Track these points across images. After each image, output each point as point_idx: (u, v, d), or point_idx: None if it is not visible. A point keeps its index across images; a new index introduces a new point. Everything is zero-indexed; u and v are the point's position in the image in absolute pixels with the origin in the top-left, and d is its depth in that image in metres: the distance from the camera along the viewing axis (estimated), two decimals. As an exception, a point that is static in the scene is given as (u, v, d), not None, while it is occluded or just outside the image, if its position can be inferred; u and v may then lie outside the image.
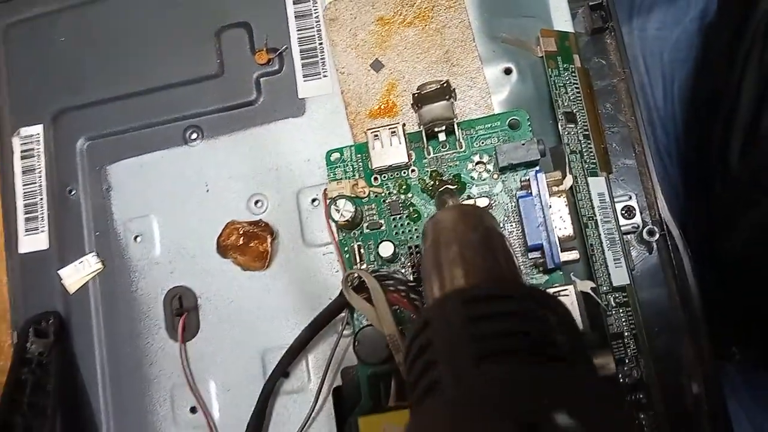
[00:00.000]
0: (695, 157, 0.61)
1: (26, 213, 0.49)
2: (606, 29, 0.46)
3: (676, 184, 0.65)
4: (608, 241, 0.41)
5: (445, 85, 0.37)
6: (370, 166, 0.41)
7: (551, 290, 0.38)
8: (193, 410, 0.44)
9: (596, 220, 0.40)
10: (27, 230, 0.49)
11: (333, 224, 0.41)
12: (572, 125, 0.42)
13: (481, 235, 0.28)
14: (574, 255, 0.38)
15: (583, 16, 0.46)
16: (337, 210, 0.39)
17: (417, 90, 0.38)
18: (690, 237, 0.67)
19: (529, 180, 0.38)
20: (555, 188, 0.39)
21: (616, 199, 0.43)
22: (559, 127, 0.42)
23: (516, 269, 0.27)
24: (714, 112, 0.58)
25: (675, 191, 0.65)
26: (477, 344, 0.20)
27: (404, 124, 0.41)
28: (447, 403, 0.19)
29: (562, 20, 0.45)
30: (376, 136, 0.40)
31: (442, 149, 0.41)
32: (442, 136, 0.40)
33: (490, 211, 0.40)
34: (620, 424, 0.18)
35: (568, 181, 0.41)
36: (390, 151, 0.40)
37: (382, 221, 0.41)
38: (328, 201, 0.40)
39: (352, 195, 0.41)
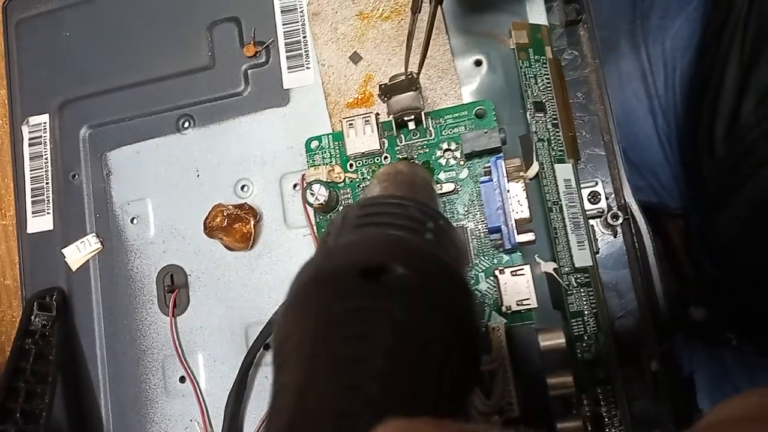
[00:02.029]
0: (690, 144, 0.62)
1: (33, 196, 0.53)
2: (579, 21, 0.48)
3: (677, 171, 0.65)
4: (572, 225, 0.43)
5: (410, 76, 0.40)
6: (345, 153, 0.44)
7: (509, 269, 0.40)
8: (182, 379, 0.47)
9: (561, 204, 0.42)
10: (34, 212, 0.53)
11: (309, 208, 0.44)
12: (541, 114, 0.44)
13: (398, 175, 0.35)
14: (530, 237, 0.40)
15: (558, 9, 0.48)
16: (312, 194, 0.42)
17: (385, 82, 0.40)
18: (691, 224, 0.68)
19: (490, 166, 0.41)
20: (516, 174, 0.41)
21: (582, 185, 0.45)
22: (528, 116, 0.44)
23: (425, 198, 0.34)
24: (702, 99, 0.59)
25: (675, 178, 0.66)
26: (359, 219, 0.25)
27: (378, 114, 0.43)
28: (325, 250, 0.24)
29: (537, 13, 0.46)
30: (351, 124, 0.43)
31: (413, 137, 0.43)
32: (411, 125, 0.43)
33: (456, 193, 0.42)
34: (444, 281, 0.22)
35: (534, 168, 0.43)
36: (363, 139, 0.43)
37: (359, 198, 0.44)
38: (305, 185, 0.43)
39: (328, 180, 0.44)
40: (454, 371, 0.20)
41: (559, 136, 0.44)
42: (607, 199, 0.46)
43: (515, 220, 0.39)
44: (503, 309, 0.40)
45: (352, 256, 0.22)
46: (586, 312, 0.42)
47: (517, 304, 0.40)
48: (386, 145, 0.44)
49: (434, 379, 0.19)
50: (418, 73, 0.40)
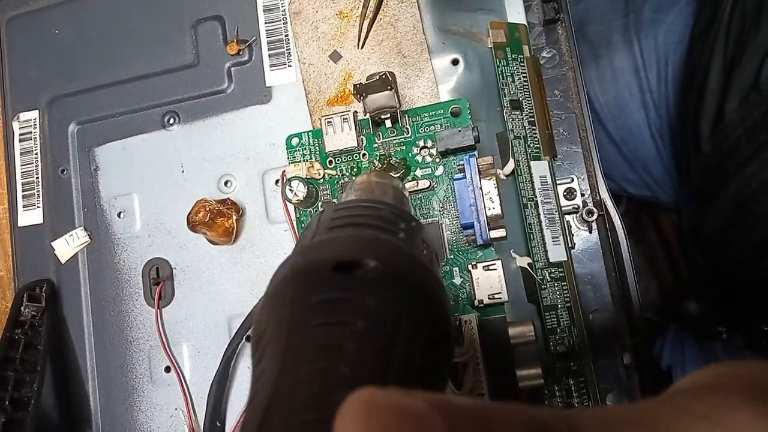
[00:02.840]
0: (681, 139, 0.63)
1: (24, 191, 0.54)
2: (557, 20, 0.49)
3: (669, 166, 0.66)
4: (547, 221, 0.44)
5: (384, 76, 0.41)
6: (324, 150, 0.45)
7: (482, 264, 0.41)
8: (167, 369, 0.49)
9: (536, 201, 0.43)
10: (25, 206, 0.54)
11: (289, 204, 0.45)
12: (517, 112, 0.45)
13: (371, 183, 0.37)
14: (501, 233, 0.41)
15: (536, 8, 0.49)
16: (291, 190, 0.43)
17: (359, 81, 0.41)
18: (683, 218, 0.69)
19: (464, 164, 0.41)
20: (489, 171, 0.42)
21: (558, 182, 0.46)
22: (504, 114, 0.45)
23: (397, 203, 0.35)
24: (690, 95, 0.59)
25: (668, 172, 0.67)
26: (333, 221, 0.26)
27: (356, 112, 0.44)
28: (299, 248, 0.24)
29: (515, 12, 0.47)
30: (329, 122, 0.44)
31: (390, 134, 0.44)
32: (388, 123, 0.44)
33: (431, 190, 0.43)
34: (416, 274, 0.23)
35: (510, 166, 0.44)
36: (341, 137, 0.44)
37: (335, 201, 0.45)
38: (284, 182, 0.44)
39: (308, 177, 0.45)
40: (425, 357, 0.21)
41: (535, 133, 0.45)
42: (582, 195, 0.46)
43: (487, 216, 0.40)
44: (476, 303, 0.41)
45: (326, 252, 0.23)
46: (559, 306, 0.43)
47: (489, 298, 0.41)
48: (364, 142, 0.45)
49: (404, 363, 0.20)
50: (361, 46, 0.41)
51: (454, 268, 0.43)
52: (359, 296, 0.21)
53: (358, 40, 0.41)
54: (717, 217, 0.58)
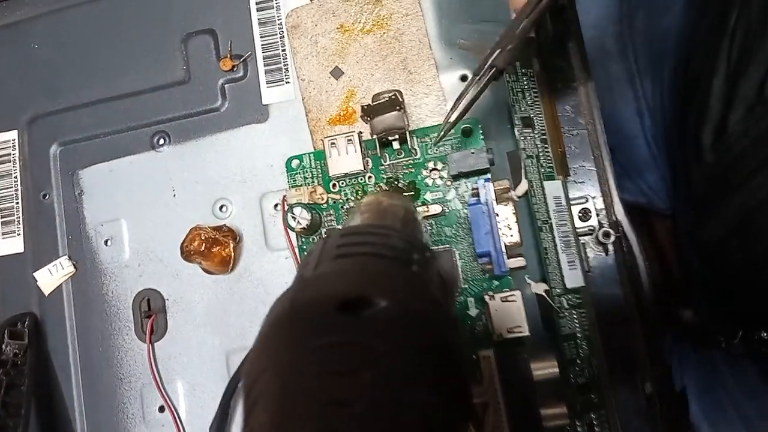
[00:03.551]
0: (679, 145, 0.61)
1: (2, 217, 0.51)
2: (568, 33, 0.47)
3: (664, 172, 0.65)
4: (563, 244, 0.41)
5: (393, 96, 0.38)
6: (328, 174, 0.42)
7: (499, 295, 0.39)
8: (161, 409, 0.46)
9: (551, 223, 0.41)
10: (3, 234, 0.50)
11: (291, 231, 0.42)
12: (529, 130, 0.43)
13: (380, 205, 0.34)
14: (520, 262, 0.39)
15: (546, 20, 0.47)
16: (293, 218, 0.40)
17: (368, 103, 0.39)
18: (680, 223, 0.68)
19: (478, 188, 0.39)
20: (504, 196, 0.40)
21: (573, 202, 0.44)
22: (516, 132, 0.42)
23: (409, 228, 0.34)
24: (689, 104, 0.58)
25: (663, 179, 0.66)
26: (339, 249, 0.23)
27: (360, 132, 0.42)
28: (300, 281, 0.22)
29: (524, 24, 0.45)
30: (333, 144, 0.41)
31: (398, 156, 0.42)
32: (396, 144, 0.41)
33: (443, 215, 0.41)
34: (429, 314, 0.21)
35: (523, 186, 0.42)
36: (346, 159, 0.41)
37: (340, 227, 0.42)
38: (285, 208, 0.41)
39: (310, 202, 0.42)
40: (443, 410, 0.19)
41: (548, 151, 0.43)
42: (597, 215, 0.44)
43: (505, 245, 0.38)
44: (494, 337, 0.39)
45: (330, 287, 0.21)
46: (578, 334, 0.41)
47: (508, 332, 0.38)
48: (370, 164, 0.42)
49: (421, 422, 0.18)
50: (435, 144, 0.41)
51: (468, 299, 0.40)
52: (368, 342, 0.19)
53: (437, 136, 0.39)
54: (719, 226, 0.57)
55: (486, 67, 0.35)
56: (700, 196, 0.59)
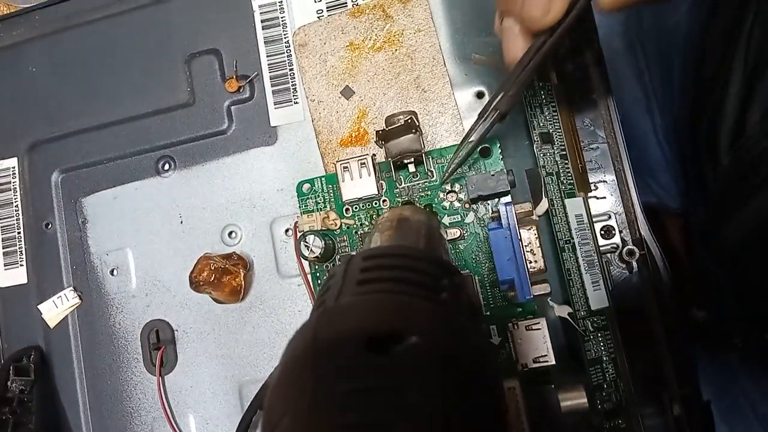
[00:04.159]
0: (690, 147, 0.61)
1: (4, 247, 0.49)
2: (586, 43, 0.45)
3: (675, 171, 0.65)
4: (586, 264, 0.40)
5: (410, 120, 0.36)
6: (341, 199, 0.40)
7: (523, 323, 0.37)
8: (173, 444, 0.44)
9: (573, 243, 0.40)
10: (6, 265, 0.49)
11: (304, 260, 0.40)
12: (548, 146, 0.42)
13: (403, 222, 0.33)
14: (545, 288, 0.37)
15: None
16: (306, 246, 0.39)
17: (382, 127, 0.37)
18: (692, 223, 0.67)
19: (499, 211, 0.38)
20: (527, 219, 0.38)
21: (595, 219, 0.42)
22: (535, 148, 0.41)
23: (435, 248, 0.32)
24: (704, 104, 0.57)
25: (674, 178, 0.65)
26: (363, 274, 0.22)
27: (374, 155, 0.40)
28: (323, 312, 0.21)
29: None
30: (346, 167, 0.40)
31: (414, 179, 0.40)
32: (411, 167, 0.39)
33: (462, 239, 0.39)
34: (464, 350, 0.20)
35: (543, 205, 0.40)
36: (360, 183, 0.40)
37: (354, 253, 0.40)
38: (298, 236, 0.40)
39: (323, 228, 0.40)
40: None
41: (568, 168, 0.41)
42: (620, 232, 0.43)
43: (529, 271, 0.36)
44: (519, 367, 0.37)
45: (356, 321, 0.19)
46: (604, 358, 0.40)
47: (534, 362, 0.37)
48: (384, 188, 0.40)
49: None
50: (443, 181, 0.39)
51: (491, 326, 0.39)
52: (400, 385, 0.17)
53: (445, 174, 0.38)
54: (736, 228, 0.56)
55: (490, 110, 0.34)
56: (716, 198, 0.58)
